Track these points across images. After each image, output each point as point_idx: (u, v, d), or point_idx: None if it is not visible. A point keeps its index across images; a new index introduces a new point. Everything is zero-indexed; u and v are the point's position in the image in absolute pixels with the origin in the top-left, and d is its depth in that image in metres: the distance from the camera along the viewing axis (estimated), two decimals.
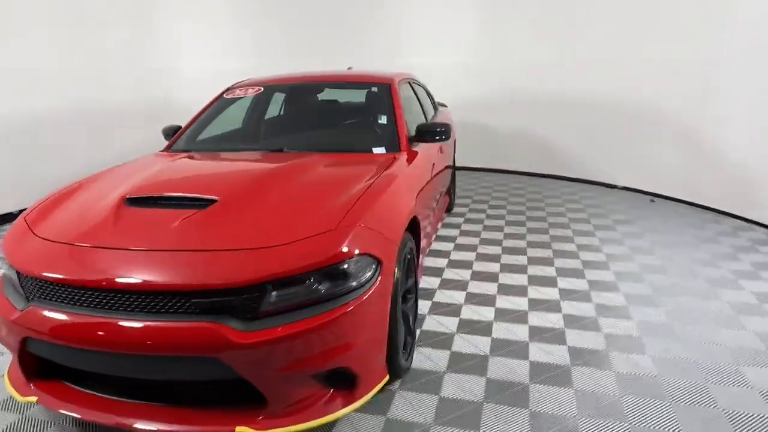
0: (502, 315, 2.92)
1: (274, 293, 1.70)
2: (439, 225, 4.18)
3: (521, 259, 3.75)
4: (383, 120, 3.09)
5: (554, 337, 2.67)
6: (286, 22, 7.06)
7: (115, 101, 5.87)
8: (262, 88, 3.45)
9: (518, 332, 2.72)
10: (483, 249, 3.98)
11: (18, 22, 4.89)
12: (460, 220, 4.81)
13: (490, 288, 3.27)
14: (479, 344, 2.60)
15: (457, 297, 3.14)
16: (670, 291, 3.22)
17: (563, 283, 3.33)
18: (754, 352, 2.51)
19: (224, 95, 3.48)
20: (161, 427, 1.73)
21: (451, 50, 6.84)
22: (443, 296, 3.16)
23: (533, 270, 3.53)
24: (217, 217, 1.96)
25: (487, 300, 3.10)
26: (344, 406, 1.84)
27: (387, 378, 2.04)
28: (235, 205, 2.04)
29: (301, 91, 3.65)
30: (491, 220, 4.77)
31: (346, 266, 1.79)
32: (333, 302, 1.76)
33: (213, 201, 2.05)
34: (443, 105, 5.68)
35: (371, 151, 2.83)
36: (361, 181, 2.28)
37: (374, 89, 3.42)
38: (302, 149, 2.87)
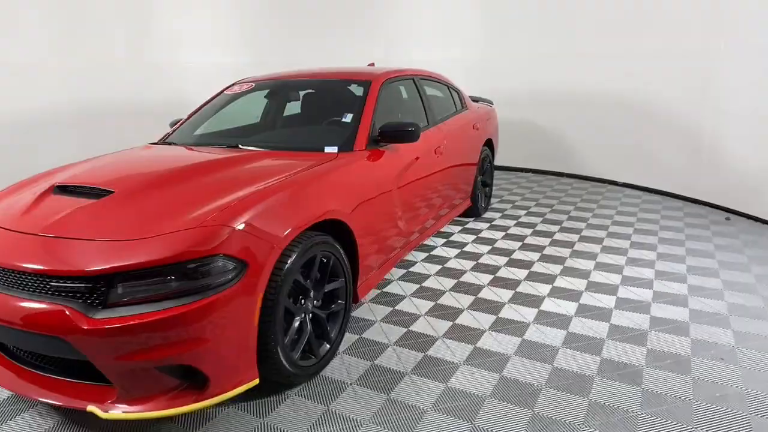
0: (617, 332, 2.73)
1: (120, 285, 1.77)
2: (441, 227, 3.99)
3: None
4: (347, 119, 3.02)
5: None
6: (290, 17, 6.99)
7: (114, 96, 5.90)
8: (254, 84, 3.56)
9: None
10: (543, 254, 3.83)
11: (17, 17, 4.98)
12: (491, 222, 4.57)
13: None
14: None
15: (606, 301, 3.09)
16: None
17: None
18: None
19: (225, 91, 3.66)
20: (30, 390, 1.92)
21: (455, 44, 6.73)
22: (552, 305, 3.06)
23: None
24: (101, 209, 2.09)
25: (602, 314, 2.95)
26: (194, 402, 1.87)
27: (256, 381, 2.02)
28: (125, 198, 2.15)
29: (284, 89, 3.69)
30: (529, 228, 4.50)
31: (194, 265, 1.80)
32: (181, 300, 1.79)
33: (109, 192, 2.19)
34: (487, 102, 5.37)
35: (322, 150, 2.79)
36: (269, 180, 2.27)
37: (354, 87, 3.35)
38: (257, 146, 2.93)
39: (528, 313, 2.90)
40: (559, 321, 2.81)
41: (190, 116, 3.53)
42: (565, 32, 6.00)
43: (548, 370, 2.35)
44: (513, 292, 3.18)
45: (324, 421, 2.06)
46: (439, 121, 3.93)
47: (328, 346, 2.42)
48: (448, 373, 2.35)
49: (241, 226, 1.94)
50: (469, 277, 3.40)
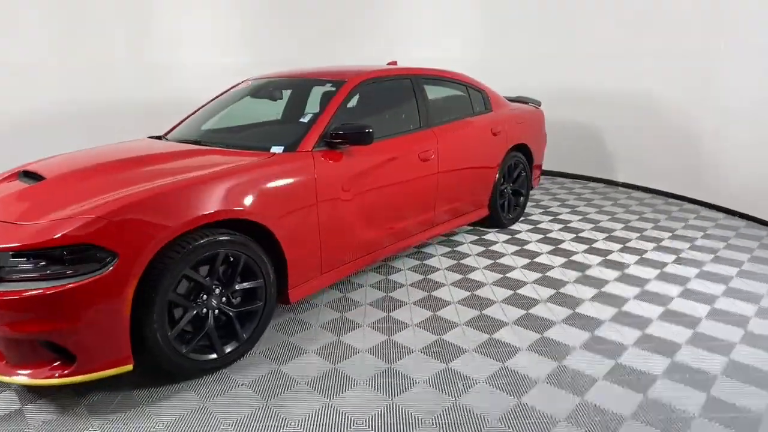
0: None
1: (7, 262, 2.00)
2: (440, 233, 3.80)
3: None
4: (305, 119, 2.99)
5: None
6: (290, 17, 6.84)
7: (114, 95, 5.95)
8: (250, 82, 3.70)
9: None
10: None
11: (17, 16, 5.07)
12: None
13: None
14: None
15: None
16: None
17: None
18: None
19: (232, 89, 3.85)
20: None
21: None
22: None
23: None
24: (25, 194, 2.38)
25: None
26: (61, 377, 2.04)
27: (130, 366, 2.14)
28: (47, 186, 2.41)
29: (268, 89, 3.70)
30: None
31: (65, 251, 1.96)
32: (53, 281, 1.96)
33: (42, 179, 2.45)
34: (534, 103, 4.91)
35: (268, 150, 2.80)
36: (180, 176, 2.35)
37: (329, 87, 3.30)
38: (213, 144, 3.04)
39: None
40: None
41: (190, 114, 3.74)
42: (565, 32, 5.99)
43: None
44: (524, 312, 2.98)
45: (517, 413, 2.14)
46: (439, 123, 3.70)
47: (237, 344, 2.45)
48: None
49: (117, 218, 2.05)
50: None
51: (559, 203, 5.32)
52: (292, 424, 2.07)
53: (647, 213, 4.92)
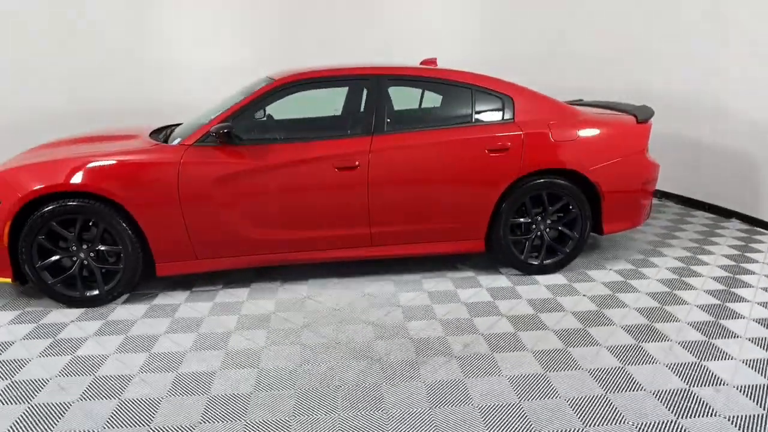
0: None
1: None
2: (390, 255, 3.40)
3: None
4: (212, 116, 3.17)
5: None
6: (290, 16, 6.60)
7: (111, 94, 5.93)
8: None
9: None
10: None
11: (17, 16, 5.15)
12: None
13: None
14: None
15: None
16: None
17: None
18: None
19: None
20: None
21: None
22: None
23: None
24: None
25: None
26: None
27: (9, 279, 2.94)
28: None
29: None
30: None
31: None
32: None
33: None
34: (635, 111, 3.64)
35: (166, 142, 3.23)
36: (71, 155, 3.02)
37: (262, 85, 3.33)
38: (152, 138, 3.37)
39: None
40: None
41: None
42: (565, 32, 5.83)
43: None
44: None
45: None
46: (396, 131, 3.26)
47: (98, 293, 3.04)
48: None
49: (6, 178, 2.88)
50: None
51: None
52: None
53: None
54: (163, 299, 3.18)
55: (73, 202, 2.89)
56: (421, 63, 3.71)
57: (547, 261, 3.47)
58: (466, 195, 3.30)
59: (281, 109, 3.48)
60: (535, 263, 3.45)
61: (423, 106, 3.63)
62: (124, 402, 2.17)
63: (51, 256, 2.95)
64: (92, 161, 2.94)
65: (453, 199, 3.31)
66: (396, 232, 3.31)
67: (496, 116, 3.38)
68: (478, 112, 3.40)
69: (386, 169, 3.18)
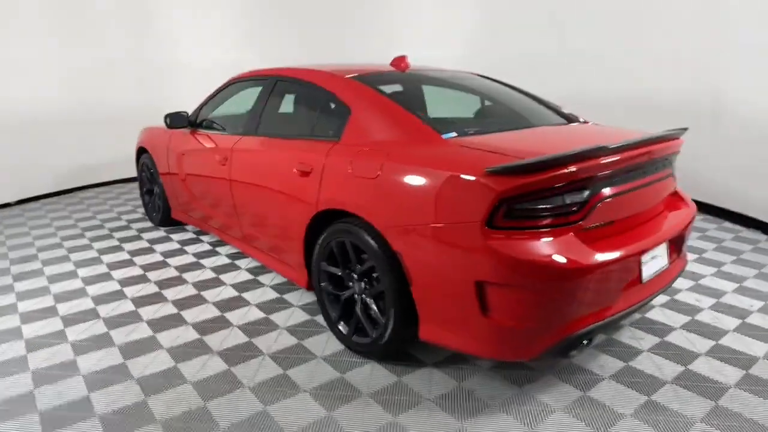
0: None
1: None
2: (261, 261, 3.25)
3: None
4: None
5: None
6: (289, 16, 6.82)
7: (113, 93, 5.99)
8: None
9: None
10: None
11: (17, 16, 5.10)
12: None
13: None
14: None
15: None
16: None
17: None
18: None
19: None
20: None
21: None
22: None
23: None
24: None
25: None
26: None
27: None
28: None
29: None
30: None
31: None
32: None
33: None
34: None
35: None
36: None
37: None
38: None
39: None
40: None
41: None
42: (564, 32, 5.73)
43: None
44: None
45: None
46: (259, 134, 3.11)
47: None
48: None
49: None
50: None
51: None
52: None
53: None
54: None
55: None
56: (391, 63, 3.10)
57: (358, 337, 2.41)
58: (282, 218, 2.81)
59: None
60: (345, 333, 2.48)
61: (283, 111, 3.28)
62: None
63: None
64: None
65: (274, 218, 2.89)
66: (258, 234, 3.14)
67: (330, 131, 2.66)
68: (320, 124, 2.86)
69: (236, 171, 3.17)
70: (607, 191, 1.97)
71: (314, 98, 2.91)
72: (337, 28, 6.88)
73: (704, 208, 4.81)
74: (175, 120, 3.71)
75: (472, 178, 1.86)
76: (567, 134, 2.57)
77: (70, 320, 2.82)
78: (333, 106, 2.72)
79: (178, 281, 3.32)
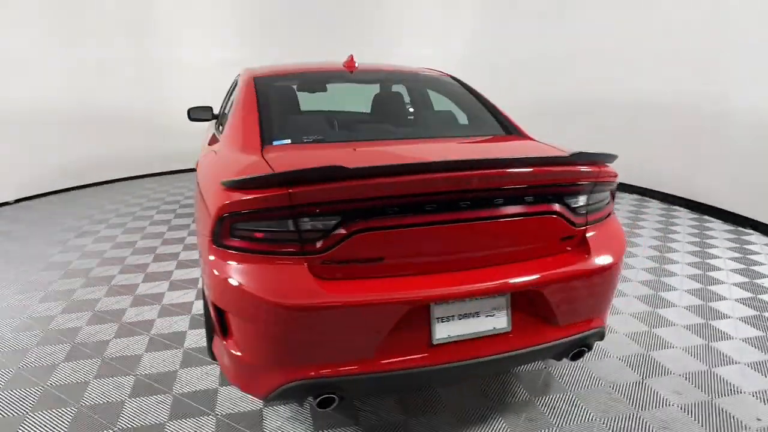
0: None
1: None
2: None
3: None
4: None
5: None
6: (289, 15, 6.80)
7: (113, 93, 6.00)
8: None
9: None
10: None
11: (17, 16, 5.13)
12: None
13: None
14: None
15: None
16: None
17: None
18: None
19: None
20: None
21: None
22: None
23: None
24: None
25: None
26: None
27: None
28: None
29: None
30: None
31: None
32: None
33: None
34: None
35: None
36: None
37: None
38: None
39: None
40: None
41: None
42: (564, 31, 5.73)
43: None
44: None
45: None
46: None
47: None
48: None
49: None
50: None
51: None
52: None
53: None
54: None
55: None
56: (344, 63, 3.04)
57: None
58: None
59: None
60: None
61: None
62: None
63: None
64: None
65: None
66: None
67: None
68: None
69: None
70: (376, 222, 1.58)
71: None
72: (337, 28, 6.86)
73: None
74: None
75: (214, 188, 1.73)
76: (427, 150, 2.16)
77: None
78: None
79: None
